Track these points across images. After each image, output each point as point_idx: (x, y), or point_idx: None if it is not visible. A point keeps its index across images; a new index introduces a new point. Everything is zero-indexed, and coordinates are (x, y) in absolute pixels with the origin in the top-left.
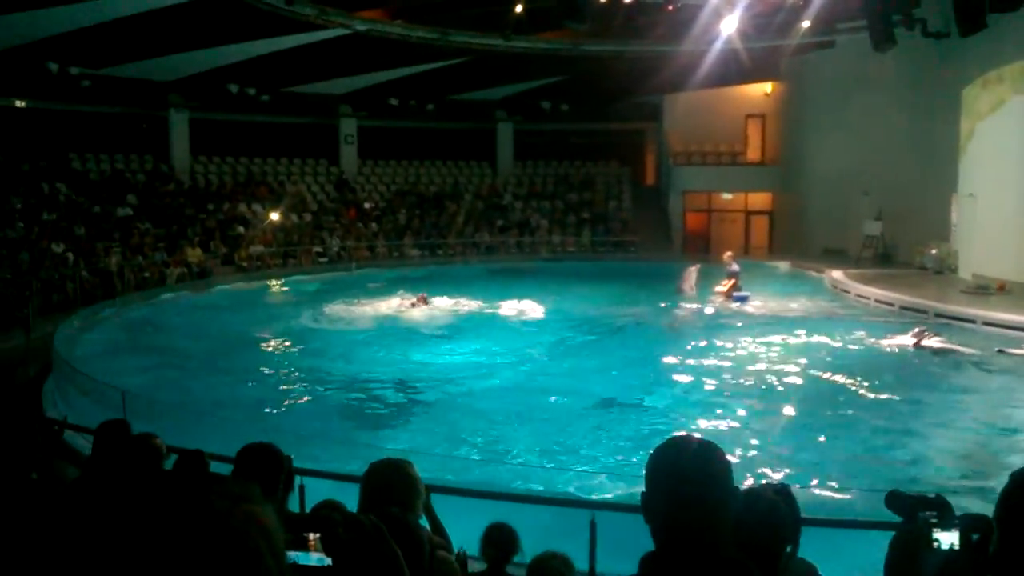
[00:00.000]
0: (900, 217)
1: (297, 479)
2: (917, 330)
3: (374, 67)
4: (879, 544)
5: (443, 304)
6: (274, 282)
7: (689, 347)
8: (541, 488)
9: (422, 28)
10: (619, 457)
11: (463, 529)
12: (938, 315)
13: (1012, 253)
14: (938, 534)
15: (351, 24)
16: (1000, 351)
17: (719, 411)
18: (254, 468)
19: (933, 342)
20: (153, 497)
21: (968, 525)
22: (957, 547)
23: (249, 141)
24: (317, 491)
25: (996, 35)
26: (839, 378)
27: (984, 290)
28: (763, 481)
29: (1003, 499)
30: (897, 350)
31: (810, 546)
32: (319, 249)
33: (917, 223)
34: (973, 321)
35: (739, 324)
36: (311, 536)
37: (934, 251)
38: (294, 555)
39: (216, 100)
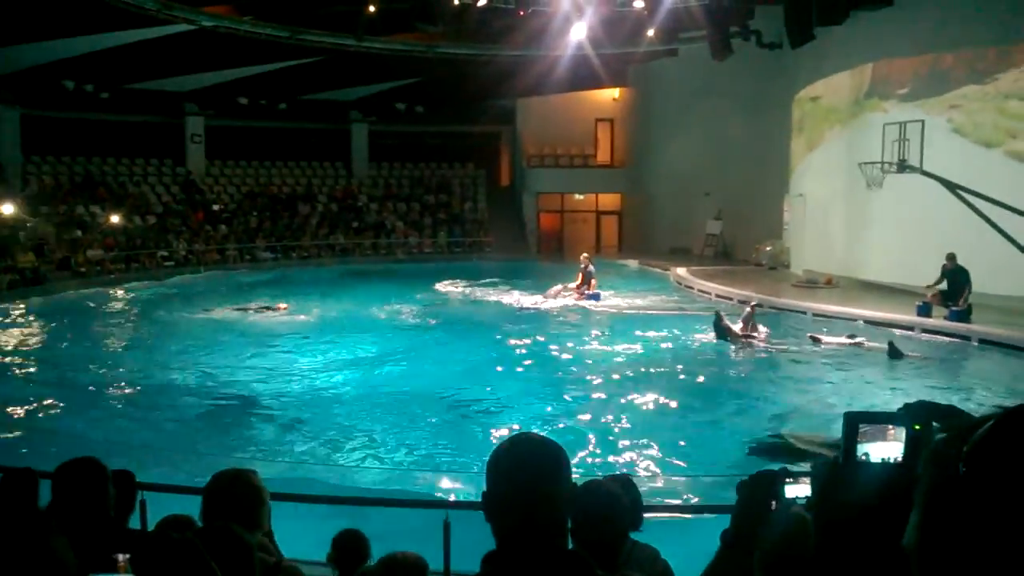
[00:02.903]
0: (738, 217)
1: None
2: (748, 311)
3: (222, 64)
4: (717, 527)
5: (296, 308)
6: (115, 288)
7: (540, 345)
8: (388, 490)
9: (272, 26)
10: (469, 456)
11: (312, 537)
12: (772, 307)
13: (838, 250)
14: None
15: (197, 19)
16: (812, 337)
17: (565, 407)
18: (75, 487)
19: (760, 333)
20: None
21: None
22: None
23: (87, 140)
24: (168, 506)
25: (823, 47)
26: (679, 369)
27: (813, 284)
28: (602, 474)
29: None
30: (730, 342)
31: (652, 531)
32: (164, 253)
33: (754, 222)
34: (804, 312)
35: (589, 321)
36: (120, 557)
37: (768, 248)
38: None
39: (50, 97)
